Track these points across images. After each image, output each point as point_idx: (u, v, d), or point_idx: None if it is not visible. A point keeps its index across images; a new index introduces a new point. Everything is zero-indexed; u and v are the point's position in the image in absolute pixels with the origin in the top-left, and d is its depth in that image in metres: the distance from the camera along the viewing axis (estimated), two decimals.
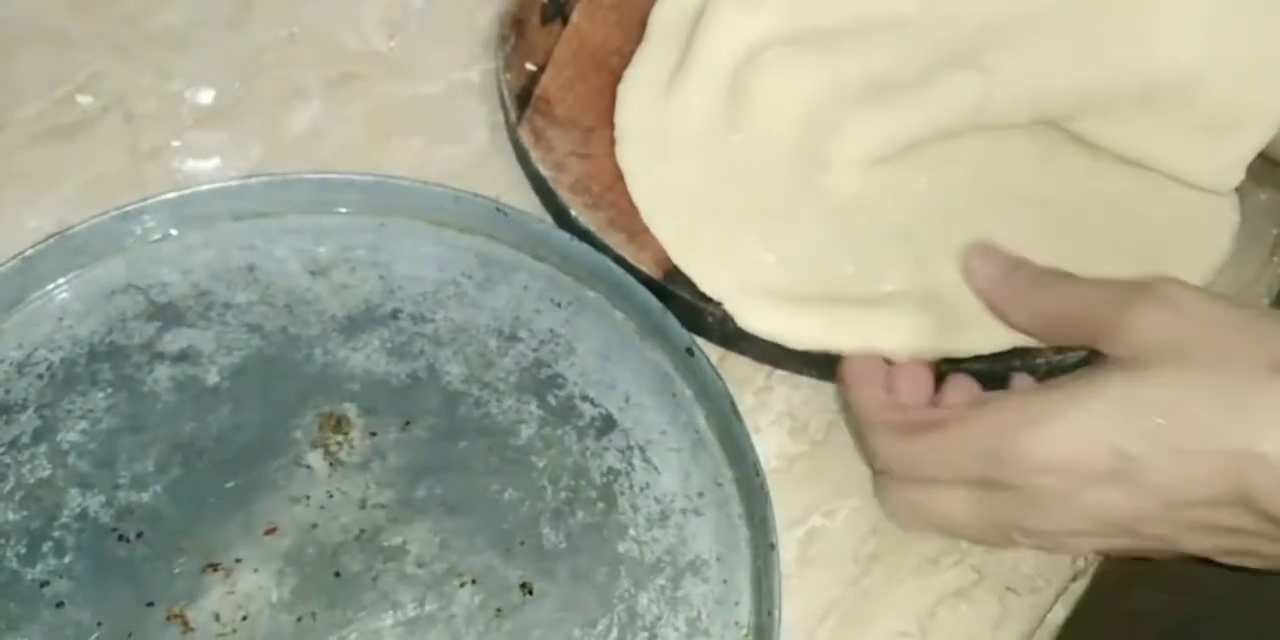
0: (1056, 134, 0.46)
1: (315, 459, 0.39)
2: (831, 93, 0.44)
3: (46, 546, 0.37)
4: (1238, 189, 0.46)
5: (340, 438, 0.40)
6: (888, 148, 0.43)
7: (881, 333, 0.40)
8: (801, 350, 0.41)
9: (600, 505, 0.39)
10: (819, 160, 0.44)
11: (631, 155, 0.44)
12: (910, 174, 0.44)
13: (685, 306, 0.42)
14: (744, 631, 0.38)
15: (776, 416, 0.43)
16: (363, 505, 0.39)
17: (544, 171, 0.44)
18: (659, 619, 0.38)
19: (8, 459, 0.38)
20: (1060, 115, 0.45)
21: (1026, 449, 0.33)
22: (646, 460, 0.41)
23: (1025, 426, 0.33)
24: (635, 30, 0.47)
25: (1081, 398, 0.33)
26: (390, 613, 0.37)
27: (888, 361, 0.40)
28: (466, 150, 0.48)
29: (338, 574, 0.37)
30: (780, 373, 0.44)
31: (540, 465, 0.40)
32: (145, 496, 0.38)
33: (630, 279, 0.42)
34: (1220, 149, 0.44)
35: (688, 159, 0.44)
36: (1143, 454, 0.31)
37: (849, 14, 0.45)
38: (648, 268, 0.42)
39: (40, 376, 0.40)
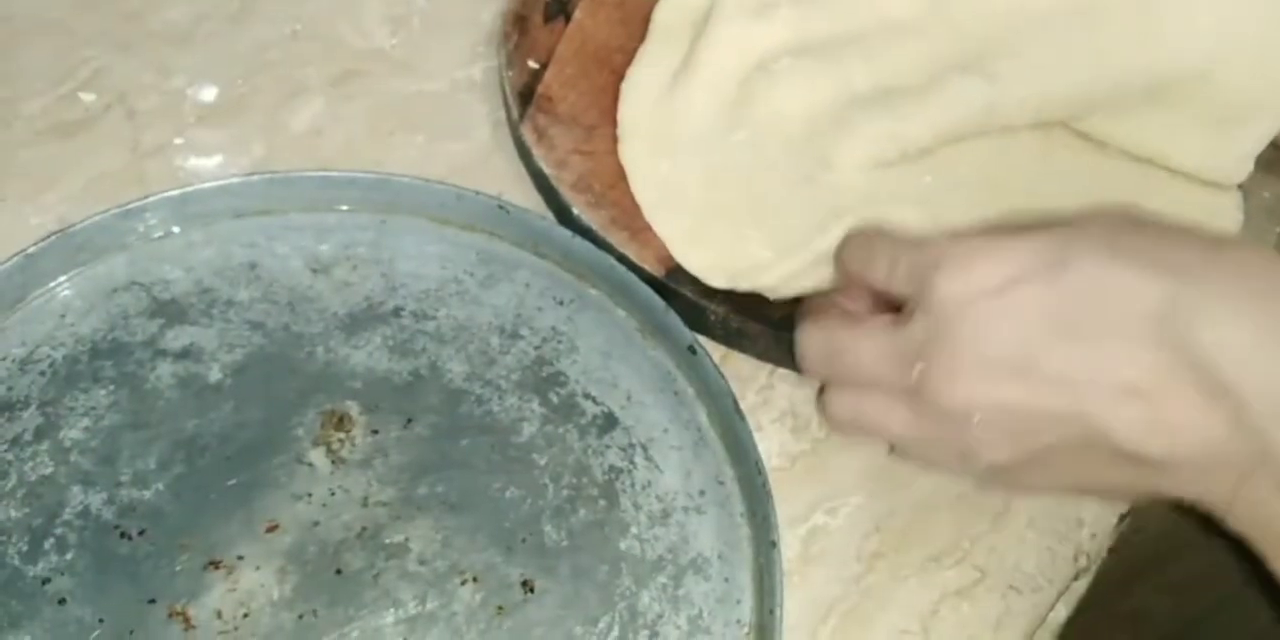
0: (1061, 132, 0.46)
1: (317, 456, 0.39)
2: (840, 100, 0.44)
3: (48, 544, 0.37)
4: (1241, 187, 0.46)
5: (342, 435, 0.40)
6: (893, 154, 0.43)
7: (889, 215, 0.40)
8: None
9: (602, 503, 0.39)
10: (823, 159, 0.44)
11: (634, 153, 0.44)
12: (915, 173, 0.44)
13: (687, 304, 0.42)
14: (746, 630, 0.38)
15: (779, 414, 0.43)
16: (364, 503, 0.39)
17: (546, 169, 0.44)
18: (660, 617, 0.38)
19: (10, 456, 0.38)
20: (1067, 117, 0.45)
21: (955, 257, 0.32)
22: (648, 458, 0.41)
23: (965, 243, 0.32)
24: (638, 28, 0.47)
25: (1013, 236, 0.32)
26: (391, 610, 0.37)
27: None
28: (468, 148, 0.48)
29: (339, 572, 0.37)
30: (782, 371, 0.44)
31: (542, 463, 0.40)
32: (147, 494, 0.38)
33: (632, 277, 0.42)
34: (1228, 142, 0.44)
35: (690, 157, 0.44)
36: (1076, 262, 0.30)
37: (857, 22, 0.45)
38: (650, 266, 0.42)
39: (42, 374, 0.40)
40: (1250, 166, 0.44)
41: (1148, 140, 0.45)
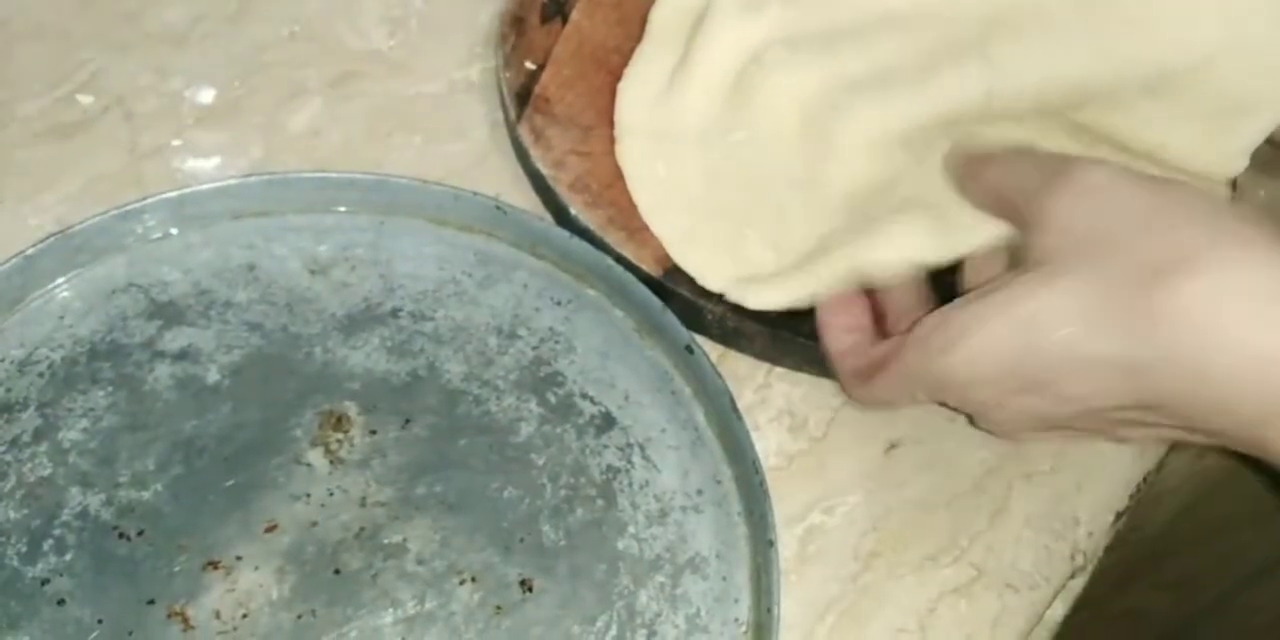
0: (1057, 131, 0.46)
1: (315, 457, 0.39)
2: (836, 86, 0.44)
3: (47, 544, 0.37)
4: (1236, 186, 0.46)
5: (340, 436, 0.40)
6: (894, 137, 0.43)
7: (881, 246, 0.41)
8: (811, 307, 0.41)
9: (600, 503, 0.40)
10: (820, 153, 0.44)
11: (631, 153, 0.44)
12: (914, 171, 0.44)
13: (685, 304, 0.42)
14: (743, 628, 0.38)
15: (776, 414, 0.43)
16: (363, 503, 0.39)
17: (543, 170, 0.44)
18: (658, 616, 0.38)
19: (9, 457, 0.38)
20: (1065, 105, 0.45)
21: (946, 372, 0.34)
22: (646, 458, 0.41)
23: (942, 351, 0.34)
24: (635, 28, 0.47)
25: (987, 317, 0.33)
26: (390, 610, 0.37)
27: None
28: (466, 149, 0.48)
29: (338, 572, 0.38)
30: (780, 370, 0.44)
31: (540, 463, 0.40)
32: (146, 494, 0.38)
33: (630, 277, 0.42)
34: (1226, 135, 0.44)
35: (687, 157, 0.44)
36: (1046, 371, 0.33)
37: (850, 14, 0.45)
38: (647, 266, 0.42)
39: (41, 375, 0.40)
40: (1245, 161, 0.44)
41: (1145, 132, 0.45)
